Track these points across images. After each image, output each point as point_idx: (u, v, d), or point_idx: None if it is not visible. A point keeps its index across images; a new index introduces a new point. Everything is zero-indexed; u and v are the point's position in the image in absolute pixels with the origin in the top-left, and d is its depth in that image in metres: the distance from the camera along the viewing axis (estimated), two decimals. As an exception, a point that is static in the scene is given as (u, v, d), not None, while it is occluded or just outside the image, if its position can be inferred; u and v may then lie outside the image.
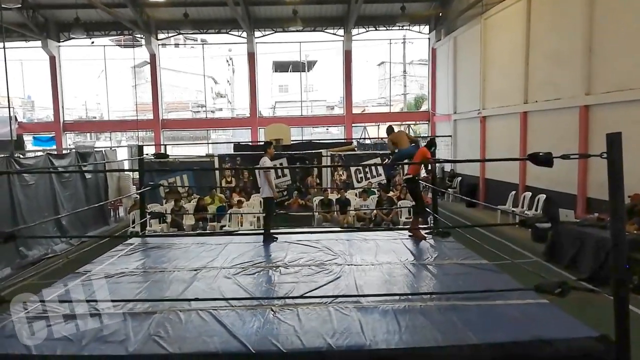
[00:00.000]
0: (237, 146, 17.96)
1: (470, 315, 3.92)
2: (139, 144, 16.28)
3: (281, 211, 13.40)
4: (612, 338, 3.27)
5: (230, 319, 3.99)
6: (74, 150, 16.89)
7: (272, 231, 7.34)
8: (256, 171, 8.73)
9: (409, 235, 7.14)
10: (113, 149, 19.96)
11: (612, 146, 3.22)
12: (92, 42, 23.08)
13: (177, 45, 28.04)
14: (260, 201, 9.86)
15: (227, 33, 22.80)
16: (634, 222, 8.21)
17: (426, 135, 23.64)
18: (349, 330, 3.70)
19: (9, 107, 12.39)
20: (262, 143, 8.23)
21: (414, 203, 7.88)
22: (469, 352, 3.38)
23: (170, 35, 23.33)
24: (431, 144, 7.87)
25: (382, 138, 23.37)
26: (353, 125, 23.75)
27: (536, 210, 12.71)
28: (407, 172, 7.56)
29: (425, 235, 7.14)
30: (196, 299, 4.54)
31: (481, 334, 3.54)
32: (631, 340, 3.20)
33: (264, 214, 8.12)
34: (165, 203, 13.90)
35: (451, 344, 3.46)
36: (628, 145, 3.28)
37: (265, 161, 7.93)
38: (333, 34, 22.95)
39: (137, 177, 14.22)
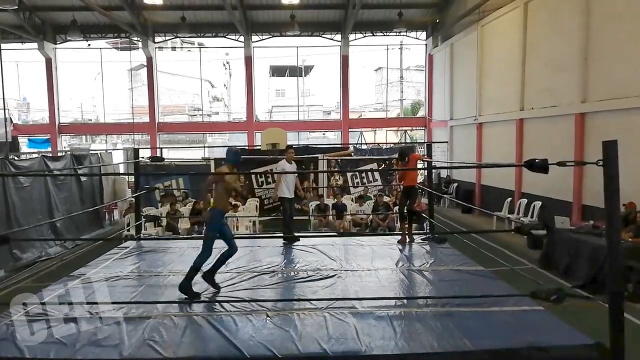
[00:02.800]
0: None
1: (465, 322, 3.92)
2: (135, 147, 16.25)
3: (277, 215, 13.39)
4: (607, 345, 3.27)
5: (225, 324, 3.98)
6: (69, 152, 16.83)
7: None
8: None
9: (397, 242, 7.18)
10: (109, 151, 19.87)
11: (608, 154, 3.24)
12: (89, 45, 23.01)
13: (174, 48, 28.00)
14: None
15: (224, 37, 22.82)
16: (629, 230, 8.24)
17: (423, 141, 23.69)
18: (344, 336, 3.70)
19: (5, 109, 12.34)
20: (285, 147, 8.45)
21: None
22: (465, 358, 3.38)
23: (167, 38, 23.31)
24: (402, 156, 7.46)
25: (379, 144, 23.43)
26: (350, 130, 23.77)
27: (532, 217, 12.73)
28: (407, 184, 7.56)
29: (412, 238, 7.20)
30: (192, 302, 4.52)
31: (477, 340, 3.54)
32: (626, 347, 3.21)
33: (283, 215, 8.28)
34: (161, 206, 13.84)
35: (447, 350, 3.46)
36: (623, 153, 3.30)
37: (284, 164, 8.06)
38: (330, 39, 23.00)
39: (133, 180, 14.22)
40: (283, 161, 8.12)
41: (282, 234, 7.57)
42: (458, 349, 3.45)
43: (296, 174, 8.65)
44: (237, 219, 12.46)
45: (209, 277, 5.09)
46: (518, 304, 4.22)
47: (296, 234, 7.67)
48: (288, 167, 8.06)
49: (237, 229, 12.32)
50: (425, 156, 8.91)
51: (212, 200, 5.40)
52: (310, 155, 15.71)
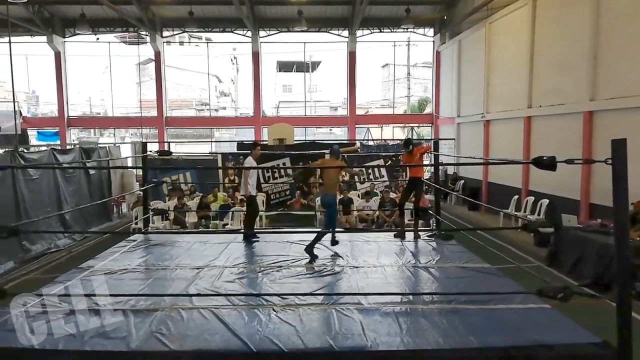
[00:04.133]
0: (241, 145, 17.97)
1: (471, 319, 3.92)
2: (143, 140, 16.31)
3: (283, 210, 13.45)
4: (613, 344, 3.27)
5: (232, 317, 4.00)
6: (78, 145, 16.93)
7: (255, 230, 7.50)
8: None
9: (395, 235, 7.18)
10: (117, 145, 19.98)
11: (617, 152, 3.22)
12: (97, 39, 23.10)
13: (181, 43, 28.06)
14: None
15: (232, 32, 22.82)
16: (637, 229, 8.20)
17: (430, 137, 23.63)
18: (350, 332, 3.71)
19: (14, 102, 12.43)
20: (251, 143, 8.17)
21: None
22: (470, 355, 3.39)
23: (175, 33, 23.36)
24: (407, 144, 7.65)
25: (385, 140, 23.40)
26: (356, 126, 23.73)
27: (538, 215, 12.68)
28: (412, 175, 7.58)
29: (418, 235, 7.21)
30: (198, 295, 4.56)
31: (482, 338, 3.55)
32: (633, 346, 3.20)
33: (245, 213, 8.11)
34: (168, 200, 13.92)
35: (452, 347, 3.46)
36: (632, 152, 3.28)
37: (250, 162, 7.88)
38: (337, 35, 22.95)
39: (141, 173, 14.29)
40: (249, 158, 7.91)
41: (245, 231, 7.46)
42: (464, 346, 3.45)
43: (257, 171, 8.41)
44: (244, 213, 12.48)
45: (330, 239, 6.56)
46: (524, 302, 4.21)
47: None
48: (253, 165, 7.89)
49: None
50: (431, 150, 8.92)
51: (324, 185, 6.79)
52: (316, 151, 15.70)
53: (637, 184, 5.88)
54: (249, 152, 8.05)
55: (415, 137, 25.24)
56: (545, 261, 9.76)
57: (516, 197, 14.35)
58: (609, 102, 10.78)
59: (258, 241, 7.07)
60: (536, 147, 13.70)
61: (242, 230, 7.51)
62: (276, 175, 14.62)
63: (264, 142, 18.34)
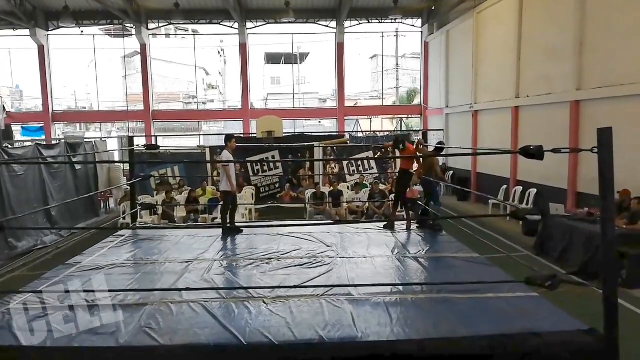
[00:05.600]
0: (229, 138, 17.85)
1: (461, 308, 3.94)
2: (130, 135, 16.15)
3: (273, 203, 13.43)
4: (600, 331, 3.30)
5: (222, 311, 3.98)
6: (63, 140, 16.72)
7: (237, 224, 7.49)
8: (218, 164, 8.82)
9: (384, 226, 7.22)
10: (103, 139, 19.77)
11: (602, 141, 3.24)
12: (82, 32, 22.76)
13: (168, 35, 27.78)
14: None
15: (219, 24, 22.60)
16: (623, 217, 8.30)
17: (419, 129, 23.67)
18: (340, 323, 3.71)
19: (-3, 97, 12.23)
20: (224, 137, 7.90)
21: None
22: (460, 344, 3.41)
23: (161, 25, 23.07)
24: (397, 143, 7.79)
25: (374, 131, 23.41)
26: (345, 118, 23.71)
27: (527, 204, 12.80)
28: (402, 167, 7.71)
29: (409, 226, 7.26)
30: (187, 289, 4.53)
31: (472, 326, 3.57)
32: (619, 333, 3.24)
33: (222, 208, 7.96)
34: (156, 195, 13.81)
35: (442, 336, 3.48)
36: (618, 141, 3.30)
37: (227, 156, 7.71)
38: (325, 26, 22.84)
39: (128, 168, 14.16)
40: (225, 152, 7.69)
41: (224, 226, 7.39)
42: (454, 335, 3.47)
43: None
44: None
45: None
46: (513, 290, 4.24)
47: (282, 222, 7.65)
48: (230, 158, 7.68)
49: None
50: (422, 143, 9.04)
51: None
52: (306, 144, 15.68)
53: (623, 172, 5.94)
54: (224, 146, 7.81)
55: (404, 128, 25.27)
56: (534, 250, 9.87)
57: (505, 187, 14.46)
58: (595, 91, 10.87)
59: (239, 234, 7.02)
60: (524, 137, 13.80)
61: (229, 225, 7.41)
62: (265, 168, 14.58)
63: (253, 135, 18.27)
